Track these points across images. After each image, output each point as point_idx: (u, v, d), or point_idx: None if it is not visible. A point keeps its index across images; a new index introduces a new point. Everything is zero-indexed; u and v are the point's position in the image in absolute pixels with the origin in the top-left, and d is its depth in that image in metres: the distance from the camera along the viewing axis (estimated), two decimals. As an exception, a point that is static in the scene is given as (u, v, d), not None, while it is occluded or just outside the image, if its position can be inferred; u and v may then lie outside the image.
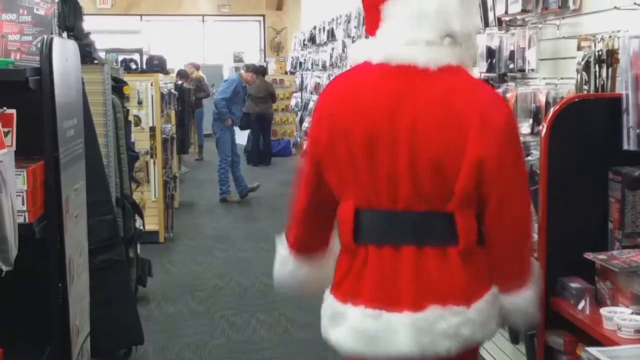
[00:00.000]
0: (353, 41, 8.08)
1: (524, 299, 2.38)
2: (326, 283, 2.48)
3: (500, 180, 2.25)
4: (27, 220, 2.67)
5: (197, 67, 15.57)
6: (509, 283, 2.37)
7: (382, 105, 2.26)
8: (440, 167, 2.22)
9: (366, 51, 2.35)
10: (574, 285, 2.57)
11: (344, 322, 2.35)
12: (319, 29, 10.96)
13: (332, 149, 2.31)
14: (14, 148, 2.38)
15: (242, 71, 10.97)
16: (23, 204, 2.65)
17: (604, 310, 2.38)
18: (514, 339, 3.73)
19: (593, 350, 1.98)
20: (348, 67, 2.58)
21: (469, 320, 2.27)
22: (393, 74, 2.27)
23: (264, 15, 22.25)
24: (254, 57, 20.95)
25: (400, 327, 2.26)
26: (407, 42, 2.26)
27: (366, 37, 2.46)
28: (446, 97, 2.23)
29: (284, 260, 2.62)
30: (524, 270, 2.39)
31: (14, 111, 2.39)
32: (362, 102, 2.29)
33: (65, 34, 4.08)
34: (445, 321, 2.25)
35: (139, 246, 5.58)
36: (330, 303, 2.41)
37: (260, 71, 12.90)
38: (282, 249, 2.62)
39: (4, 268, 2.25)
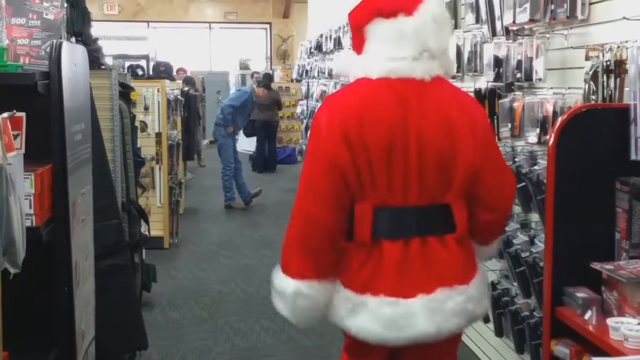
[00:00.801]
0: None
1: (495, 247, 2.94)
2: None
3: (491, 164, 2.64)
4: (34, 224, 2.67)
5: (185, 72, 15.63)
6: (493, 239, 2.86)
7: (395, 115, 2.52)
8: (442, 164, 2.54)
9: (361, 67, 2.64)
10: (580, 295, 2.56)
11: (365, 311, 2.56)
12: (326, 37, 10.96)
13: (354, 159, 2.50)
14: (22, 151, 2.38)
15: (255, 86, 11.04)
16: (30, 208, 2.65)
17: (610, 321, 2.38)
18: (519, 348, 3.72)
19: (599, 360, 1.99)
20: (337, 80, 2.71)
21: (471, 297, 2.60)
22: (398, 86, 2.55)
23: (270, 23, 22.29)
24: (260, 65, 20.98)
25: (417, 310, 2.52)
26: (400, 58, 2.57)
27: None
28: (442, 104, 2.57)
29: (299, 293, 2.61)
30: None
31: (23, 114, 2.40)
32: (378, 113, 2.52)
33: (73, 39, 4.10)
34: (453, 300, 2.56)
35: (144, 251, 5.59)
36: (347, 295, 2.61)
37: (268, 81, 12.96)
38: (314, 289, 2.61)
39: (12, 270, 2.26)
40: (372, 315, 2.54)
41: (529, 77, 3.66)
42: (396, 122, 2.50)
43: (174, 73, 13.99)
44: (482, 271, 2.74)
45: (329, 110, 2.60)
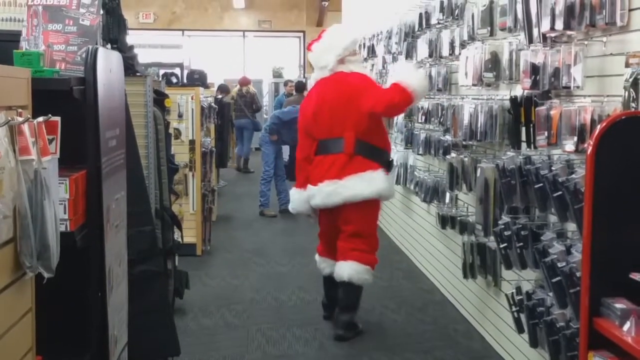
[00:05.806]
0: (394, 57, 8.05)
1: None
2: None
3: (367, 97, 5.32)
4: (68, 229, 2.68)
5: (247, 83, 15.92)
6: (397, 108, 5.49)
7: (317, 97, 5.44)
8: (337, 118, 5.31)
9: (314, 76, 5.66)
10: (618, 306, 2.51)
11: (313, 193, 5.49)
12: (360, 45, 10.93)
13: (308, 122, 5.50)
14: (57, 155, 2.39)
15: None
16: (65, 213, 2.66)
17: (650, 332, 2.33)
18: (533, 342, 3.66)
19: (639, 373, 1.94)
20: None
21: (341, 185, 5.27)
22: (320, 82, 5.51)
23: (304, 32, 22.35)
24: (293, 73, 21.04)
25: (315, 191, 5.39)
26: (322, 67, 5.52)
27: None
28: (339, 86, 5.38)
29: (303, 196, 5.56)
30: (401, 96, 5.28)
31: (58, 119, 2.41)
32: (312, 99, 5.52)
33: (109, 46, 4.12)
34: (329, 187, 5.29)
35: (177, 258, 5.60)
36: (309, 190, 5.51)
37: (300, 88, 13.04)
38: (298, 192, 5.63)
39: (46, 275, 2.26)
40: (314, 194, 5.42)
41: (566, 85, 3.60)
42: (318, 101, 5.39)
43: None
44: (368, 175, 5.29)
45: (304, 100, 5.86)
